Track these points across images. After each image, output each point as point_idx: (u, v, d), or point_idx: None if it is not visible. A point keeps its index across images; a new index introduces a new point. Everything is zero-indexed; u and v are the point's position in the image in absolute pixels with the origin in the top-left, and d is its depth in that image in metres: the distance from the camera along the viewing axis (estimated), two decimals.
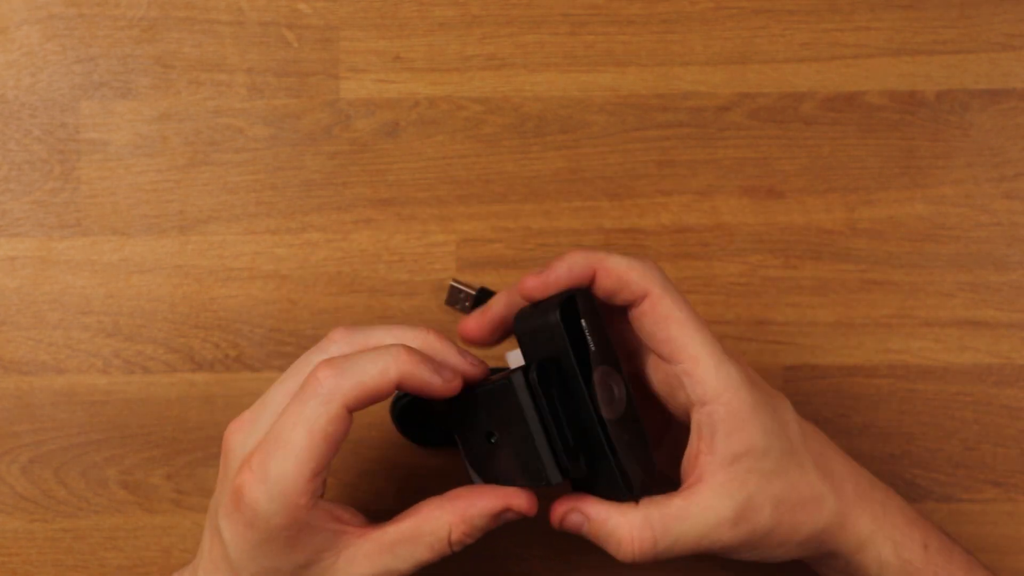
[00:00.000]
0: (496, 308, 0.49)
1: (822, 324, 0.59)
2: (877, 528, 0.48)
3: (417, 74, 0.60)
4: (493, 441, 0.48)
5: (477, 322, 0.48)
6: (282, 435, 0.44)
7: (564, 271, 0.46)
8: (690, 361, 0.46)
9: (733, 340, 0.59)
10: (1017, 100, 0.60)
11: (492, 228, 0.60)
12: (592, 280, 0.47)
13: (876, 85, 0.60)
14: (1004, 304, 0.60)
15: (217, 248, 0.59)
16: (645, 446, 0.47)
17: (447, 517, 0.47)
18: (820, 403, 0.59)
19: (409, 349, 0.45)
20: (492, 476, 0.48)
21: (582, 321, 0.46)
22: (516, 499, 0.47)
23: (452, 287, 0.58)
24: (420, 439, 0.58)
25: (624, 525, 0.46)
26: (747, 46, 0.60)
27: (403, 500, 0.59)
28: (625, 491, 0.46)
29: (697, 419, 0.47)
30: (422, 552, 0.46)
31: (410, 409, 0.58)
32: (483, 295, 0.58)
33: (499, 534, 0.58)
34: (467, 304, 0.58)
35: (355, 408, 0.44)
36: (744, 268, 0.59)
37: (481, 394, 0.47)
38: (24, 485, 0.59)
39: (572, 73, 0.60)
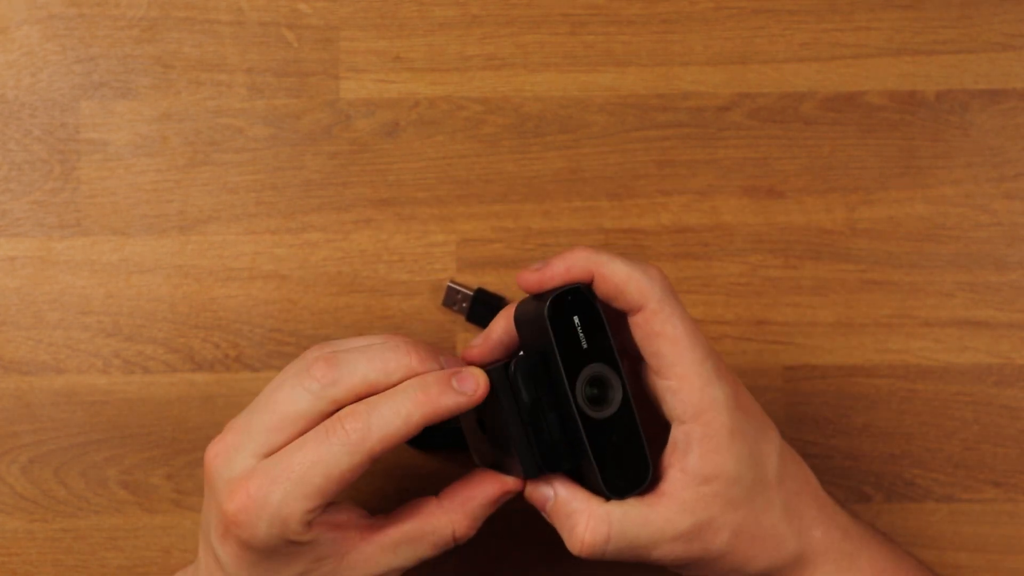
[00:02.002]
0: (497, 333, 0.49)
1: (822, 324, 0.59)
2: None
3: (417, 74, 0.60)
4: (484, 428, 0.49)
5: (480, 350, 0.49)
6: (294, 470, 0.44)
7: (561, 271, 0.47)
8: (676, 379, 0.46)
9: (733, 340, 0.59)
10: (1017, 100, 0.60)
11: (492, 228, 0.60)
12: (591, 281, 0.47)
13: (876, 85, 0.60)
14: (1004, 304, 0.60)
15: (217, 248, 0.59)
16: (638, 448, 0.47)
17: (449, 516, 0.47)
18: (820, 403, 0.59)
19: (423, 384, 0.45)
20: (486, 459, 0.50)
21: (574, 318, 0.46)
22: (510, 483, 0.48)
23: (449, 288, 0.58)
24: (423, 444, 0.58)
25: (584, 512, 0.47)
26: (747, 46, 0.60)
27: (404, 500, 0.59)
28: (600, 489, 0.47)
29: (675, 435, 0.47)
30: (425, 550, 0.47)
31: None
32: (481, 296, 0.58)
33: (496, 534, 0.58)
34: (464, 305, 0.58)
35: (379, 457, 0.45)
36: (744, 268, 0.59)
37: None
38: (24, 485, 0.59)
39: (572, 73, 0.60)
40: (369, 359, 0.46)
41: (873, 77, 0.60)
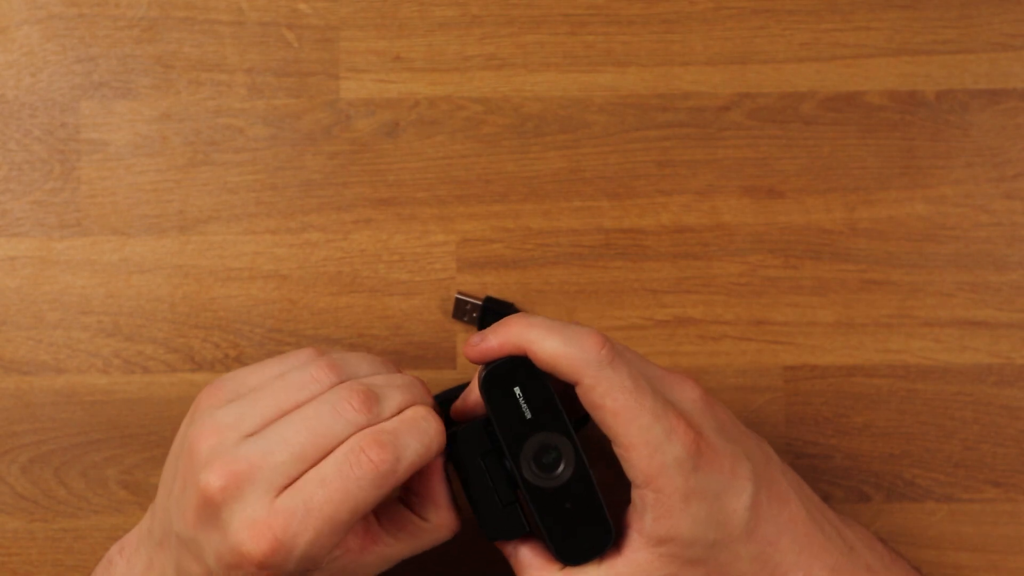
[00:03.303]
0: (473, 396, 0.49)
1: (822, 324, 0.59)
2: None
3: (417, 74, 0.60)
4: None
5: (461, 415, 0.50)
6: (322, 509, 0.43)
7: (495, 348, 0.47)
8: (623, 448, 0.46)
9: (733, 340, 0.59)
10: (1017, 100, 0.60)
11: (492, 228, 0.60)
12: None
13: (876, 85, 0.60)
14: (1004, 304, 0.59)
15: (217, 248, 0.59)
16: (596, 513, 0.47)
17: (435, 522, 0.48)
18: (820, 403, 0.59)
19: (439, 422, 0.46)
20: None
21: (515, 389, 0.46)
22: (437, 448, 0.48)
23: (458, 300, 0.58)
24: None
25: None
26: (747, 46, 0.60)
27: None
28: (563, 559, 0.47)
29: (633, 496, 0.47)
30: (417, 550, 0.48)
31: None
32: (490, 304, 0.58)
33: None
34: (474, 315, 0.58)
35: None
36: (744, 268, 0.59)
37: None
38: (24, 485, 0.59)
39: (572, 73, 0.60)
40: (403, 391, 0.46)
41: (873, 77, 0.60)
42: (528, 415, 0.46)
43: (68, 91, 0.59)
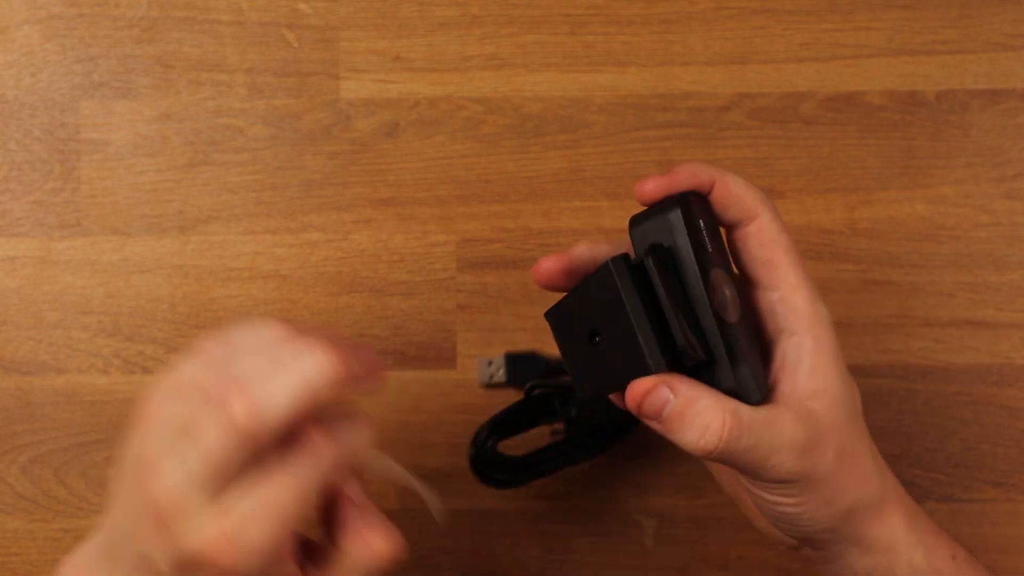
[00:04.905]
0: (581, 251, 0.47)
1: None
2: (910, 530, 0.47)
3: (417, 74, 0.60)
4: (597, 340, 0.45)
5: (556, 261, 0.46)
6: (269, 500, 0.40)
7: (687, 176, 0.46)
8: (789, 289, 0.46)
9: None
10: (1017, 100, 0.60)
11: (492, 228, 0.60)
12: (711, 190, 0.46)
13: (876, 85, 0.60)
14: (1004, 304, 0.60)
15: (217, 248, 0.59)
16: (757, 357, 0.45)
17: (365, 547, 0.43)
18: None
19: (321, 352, 0.41)
20: (595, 385, 0.46)
21: (699, 221, 0.45)
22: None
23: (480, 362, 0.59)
24: (497, 482, 0.57)
25: (716, 408, 0.44)
26: (747, 46, 0.60)
27: (404, 500, 0.59)
28: (732, 392, 0.44)
29: (784, 348, 0.46)
30: None
31: (491, 456, 0.56)
32: (512, 358, 0.59)
33: (497, 532, 0.57)
34: (499, 370, 0.59)
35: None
36: None
37: (577, 290, 0.45)
38: (24, 485, 0.59)
39: (572, 73, 0.60)
40: (289, 386, 0.40)
41: (873, 77, 0.60)
42: (710, 248, 0.45)
43: (68, 91, 0.59)
